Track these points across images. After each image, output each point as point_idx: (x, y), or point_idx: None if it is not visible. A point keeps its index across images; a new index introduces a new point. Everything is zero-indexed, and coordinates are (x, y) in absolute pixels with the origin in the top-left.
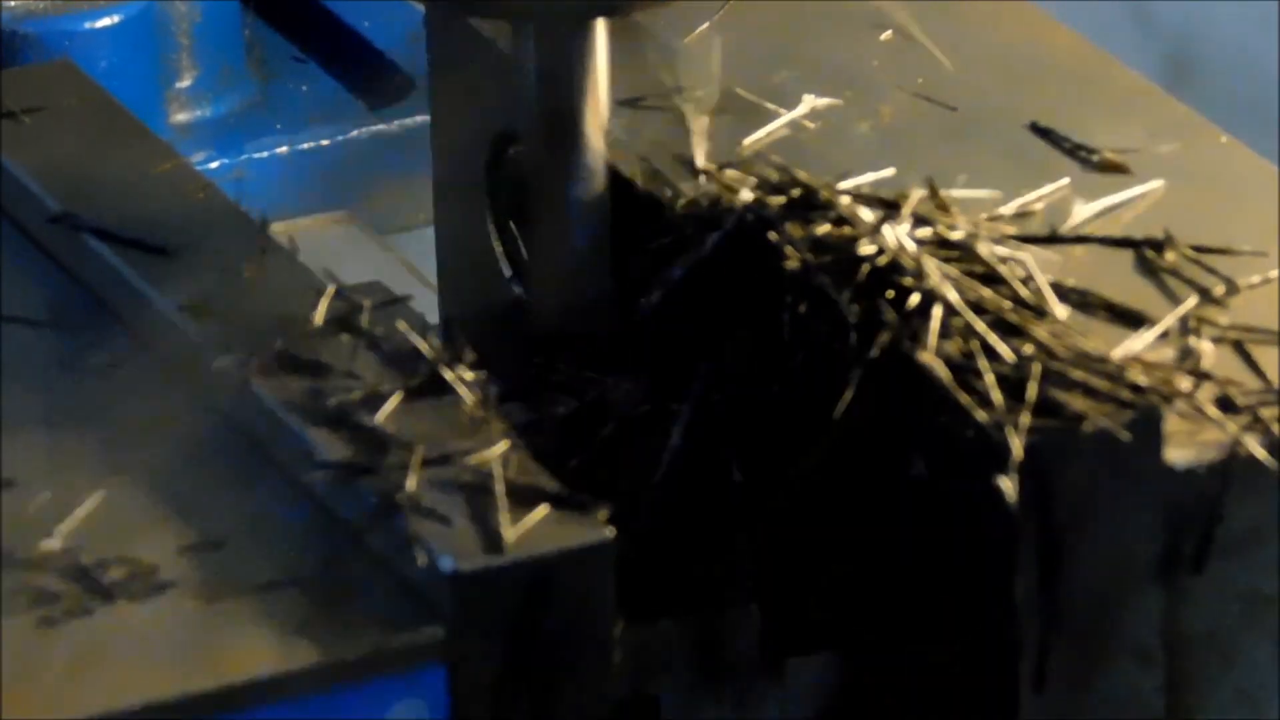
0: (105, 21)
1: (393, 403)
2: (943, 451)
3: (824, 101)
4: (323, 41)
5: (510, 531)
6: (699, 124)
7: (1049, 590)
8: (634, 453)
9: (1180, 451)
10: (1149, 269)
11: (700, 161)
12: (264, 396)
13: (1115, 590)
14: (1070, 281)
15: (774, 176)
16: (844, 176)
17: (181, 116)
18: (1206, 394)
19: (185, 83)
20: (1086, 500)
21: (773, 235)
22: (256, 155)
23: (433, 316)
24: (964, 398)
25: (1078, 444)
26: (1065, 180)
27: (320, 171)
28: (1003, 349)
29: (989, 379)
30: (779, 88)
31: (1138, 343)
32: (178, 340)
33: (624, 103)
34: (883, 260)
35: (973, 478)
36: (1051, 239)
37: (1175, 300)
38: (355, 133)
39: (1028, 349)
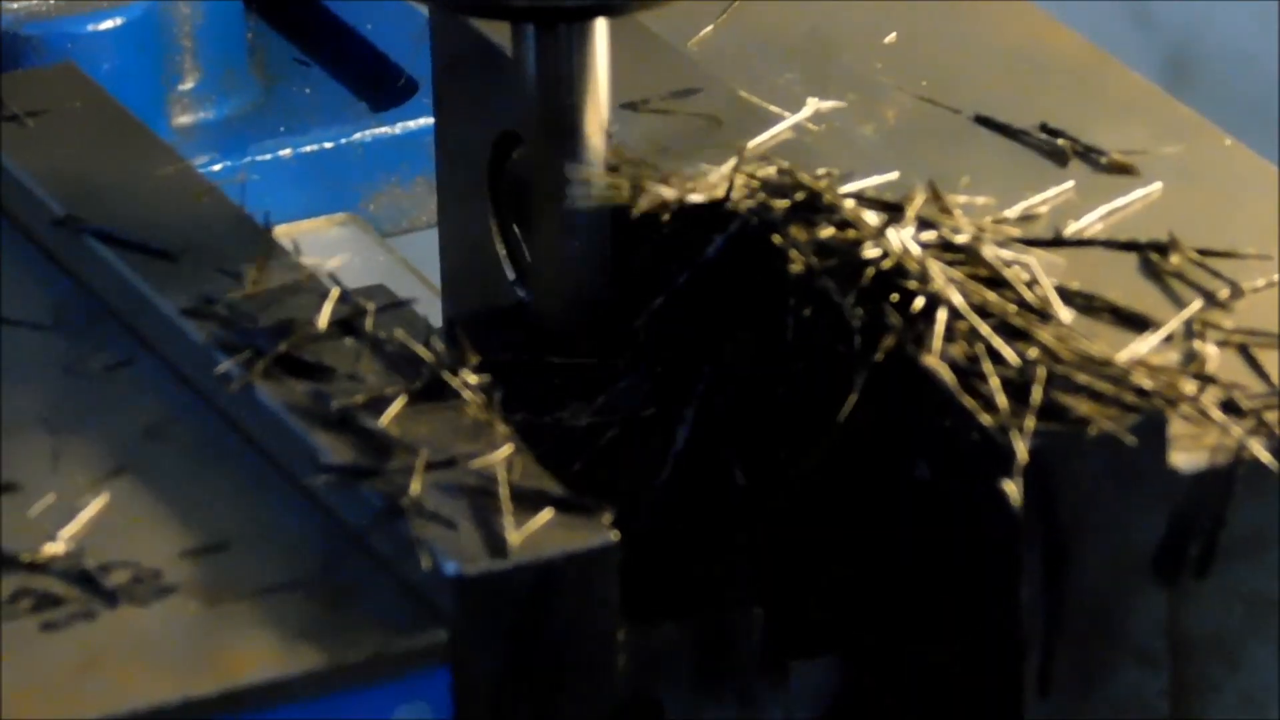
0: (108, 24)
1: (396, 406)
2: (947, 455)
3: (828, 104)
4: (325, 44)
5: (514, 535)
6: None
7: (1053, 593)
8: (637, 455)
9: (1185, 455)
10: (1154, 272)
11: (705, 165)
12: (267, 400)
13: (1119, 593)
14: (1075, 285)
15: (778, 180)
16: (848, 179)
17: (184, 119)
18: (1211, 397)
19: (188, 85)
20: (1091, 503)
21: (777, 238)
22: (259, 157)
23: (436, 319)
24: (968, 401)
25: (1082, 447)
26: (1069, 183)
27: (323, 174)
28: (1007, 352)
29: (993, 382)
30: (783, 90)
31: (1142, 346)
32: (181, 343)
33: (627, 106)
34: (887, 264)
35: (977, 481)
36: (1056, 242)
37: (1180, 303)
38: (358, 135)
39: (1032, 352)
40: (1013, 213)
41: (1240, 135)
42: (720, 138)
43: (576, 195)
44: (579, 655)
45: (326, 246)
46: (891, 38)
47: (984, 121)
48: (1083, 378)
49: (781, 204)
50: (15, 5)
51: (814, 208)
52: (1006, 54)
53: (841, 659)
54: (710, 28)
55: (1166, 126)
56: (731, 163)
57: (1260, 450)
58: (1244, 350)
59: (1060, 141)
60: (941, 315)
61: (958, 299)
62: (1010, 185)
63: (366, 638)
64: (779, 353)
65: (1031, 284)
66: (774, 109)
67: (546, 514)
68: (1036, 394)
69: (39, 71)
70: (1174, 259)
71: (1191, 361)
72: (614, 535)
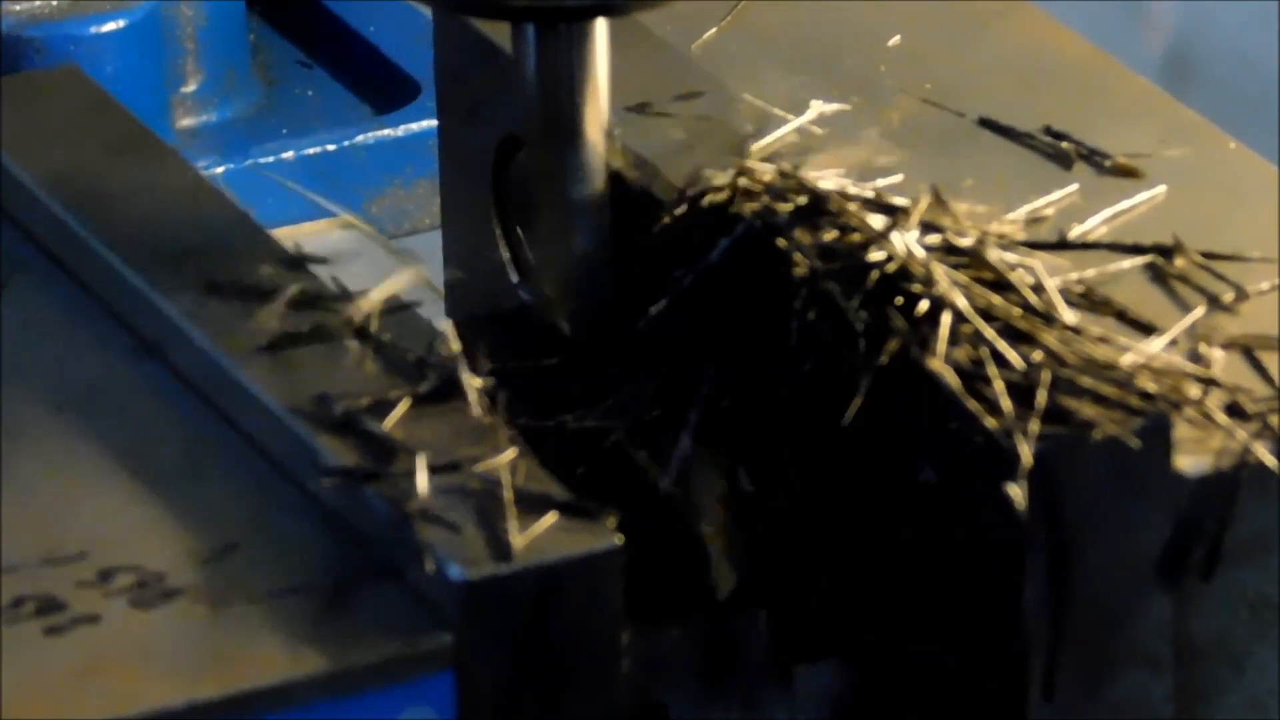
0: (111, 26)
1: (401, 409)
2: (952, 459)
3: (832, 107)
4: (328, 46)
5: (518, 539)
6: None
7: (1057, 596)
8: (641, 459)
9: (1189, 458)
10: (1158, 275)
11: (709, 168)
12: (272, 403)
13: (1124, 597)
14: (1079, 288)
15: (782, 183)
16: (852, 183)
17: (187, 121)
18: (1216, 401)
19: (191, 87)
20: (1095, 507)
21: (781, 241)
22: (262, 160)
23: (440, 322)
24: (973, 405)
25: (1087, 451)
26: (1074, 186)
27: (326, 176)
28: (1012, 356)
29: (998, 386)
30: (787, 93)
31: (1147, 349)
32: (185, 345)
33: (631, 109)
34: (891, 267)
35: (982, 485)
36: (1060, 245)
37: (1185, 307)
38: (361, 137)
39: (1037, 356)
40: (1017, 216)
41: (1241, 136)
42: (724, 141)
43: (579, 197)
44: (583, 659)
45: (329, 249)
46: (896, 40)
47: (988, 124)
48: (1087, 381)
49: (785, 207)
50: (18, 8)
51: (818, 211)
52: (1011, 57)
53: (846, 662)
54: (714, 30)
55: (1171, 130)
56: (735, 166)
57: (1265, 453)
58: (1248, 353)
59: (1065, 145)
60: (946, 318)
61: (962, 302)
62: (1014, 188)
63: (371, 641)
64: (783, 356)
65: (1036, 287)
66: (778, 112)
67: (550, 517)
68: (1041, 397)
69: (41, 74)
70: (1178, 262)
71: (1196, 365)
72: (618, 539)
